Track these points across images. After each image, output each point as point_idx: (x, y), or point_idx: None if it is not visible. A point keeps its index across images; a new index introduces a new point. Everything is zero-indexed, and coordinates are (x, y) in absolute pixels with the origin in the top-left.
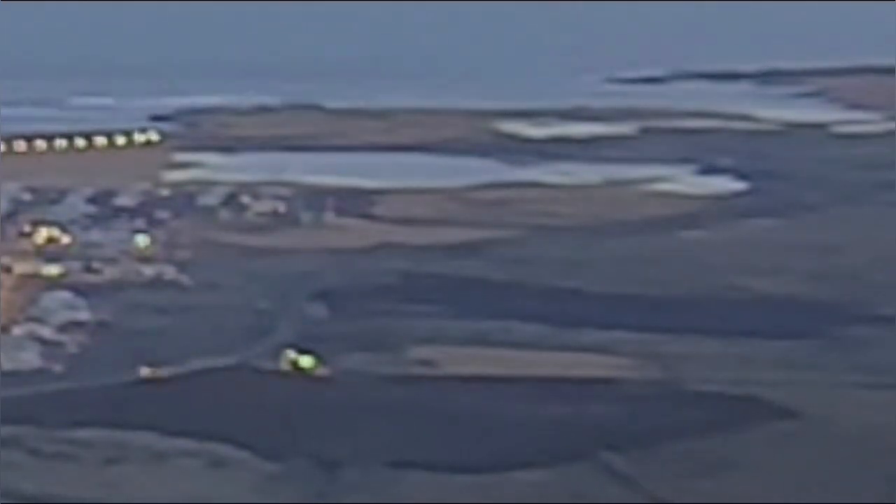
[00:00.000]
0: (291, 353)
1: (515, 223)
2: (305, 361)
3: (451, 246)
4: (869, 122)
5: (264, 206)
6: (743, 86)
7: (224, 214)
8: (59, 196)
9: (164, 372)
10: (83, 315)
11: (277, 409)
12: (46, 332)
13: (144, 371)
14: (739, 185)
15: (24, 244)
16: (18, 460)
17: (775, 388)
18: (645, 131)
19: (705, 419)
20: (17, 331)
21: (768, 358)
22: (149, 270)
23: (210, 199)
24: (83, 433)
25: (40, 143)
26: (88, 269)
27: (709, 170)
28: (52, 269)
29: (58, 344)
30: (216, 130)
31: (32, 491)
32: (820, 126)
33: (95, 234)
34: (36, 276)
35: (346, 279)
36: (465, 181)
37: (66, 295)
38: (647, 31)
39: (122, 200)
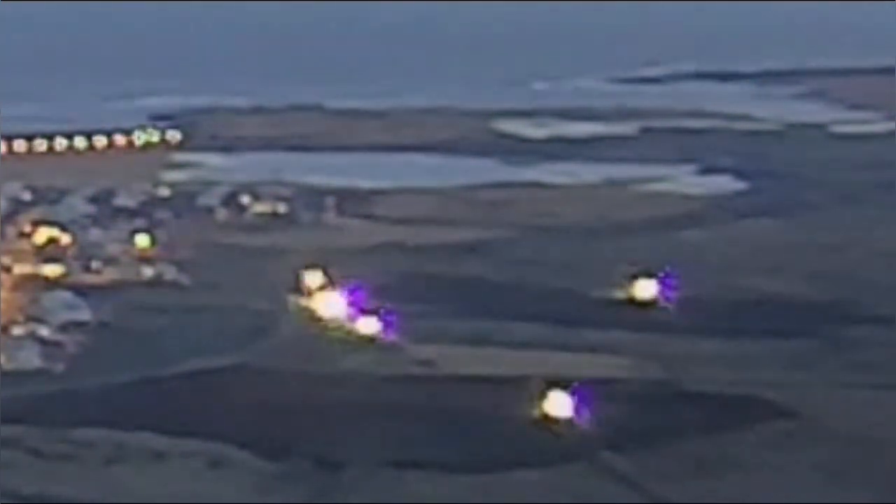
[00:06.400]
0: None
1: (515, 223)
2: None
3: (451, 246)
4: (869, 122)
5: (264, 206)
6: (743, 86)
7: (224, 214)
8: (59, 196)
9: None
10: (83, 315)
11: (277, 409)
12: (46, 332)
13: None
14: (739, 185)
15: (24, 244)
16: (18, 460)
17: (775, 388)
18: (645, 131)
19: (705, 419)
20: (17, 331)
21: (768, 358)
22: (149, 270)
23: (210, 199)
24: (83, 433)
25: (40, 143)
26: (88, 269)
27: (709, 170)
28: (52, 269)
29: (58, 344)
30: (216, 130)
31: (32, 491)
32: (820, 126)
33: (95, 234)
34: (36, 276)
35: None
36: (465, 181)
37: (66, 295)
38: (647, 31)
39: (122, 200)
